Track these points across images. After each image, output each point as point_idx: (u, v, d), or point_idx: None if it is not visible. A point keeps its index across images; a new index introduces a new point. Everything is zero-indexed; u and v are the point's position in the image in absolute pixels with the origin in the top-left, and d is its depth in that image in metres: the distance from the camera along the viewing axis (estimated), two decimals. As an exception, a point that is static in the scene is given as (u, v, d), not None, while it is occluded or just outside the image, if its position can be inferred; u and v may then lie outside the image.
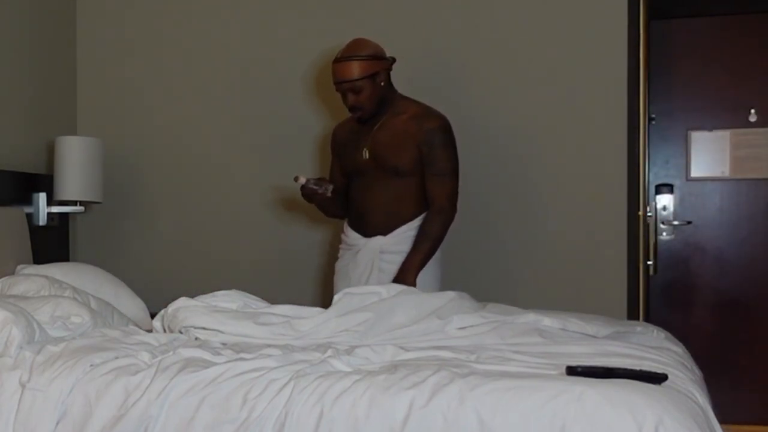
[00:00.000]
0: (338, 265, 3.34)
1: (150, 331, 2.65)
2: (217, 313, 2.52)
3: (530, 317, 2.53)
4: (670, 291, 4.48)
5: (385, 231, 3.17)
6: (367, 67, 3.07)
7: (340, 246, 3.35)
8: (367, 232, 3.21)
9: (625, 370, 1.92)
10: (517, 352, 2.22)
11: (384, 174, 3.16)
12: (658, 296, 4.46)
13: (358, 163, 3.22)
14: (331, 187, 3.09)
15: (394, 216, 3.16)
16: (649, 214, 3.90)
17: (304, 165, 4.01)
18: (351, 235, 3.26)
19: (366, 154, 3.19)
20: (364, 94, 3.10)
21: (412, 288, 2.74)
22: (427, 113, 3.16)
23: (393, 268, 3.14)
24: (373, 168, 3.18)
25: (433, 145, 3.11)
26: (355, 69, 3.07)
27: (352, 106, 3.13)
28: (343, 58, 3.09)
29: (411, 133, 3.12)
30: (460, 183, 3.76)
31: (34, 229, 3.80)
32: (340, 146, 3.33)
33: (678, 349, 2.51)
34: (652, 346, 2.36)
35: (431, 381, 1.88)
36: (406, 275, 3.08)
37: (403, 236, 3.16)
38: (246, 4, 4.10)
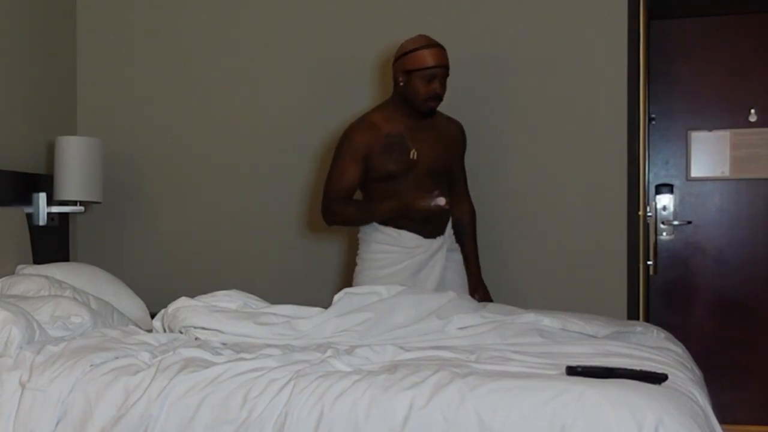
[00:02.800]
0: (386, 271, 3.16)
1: (150, 331, 2.65)
2: (217, 313, 2.52)
3: (530, 317, 2.53)
4: (670, 291, 4.47)
5: (443, 230, 3.26)
6: None
7: (383, 254, 3.18)
8: (429, 233, 3.20)
9: (625, 370, 1.91)
10: (517, 352, 2.22)
11: (434, 174, 3.20)
12: (658, 296, 4.46)
13: (406, 165, 3.13)
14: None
15: (445, 215, 3.27)
16: (649, 214, 3.89)
17: (304, 166, 4.01)
18: (407, 237, 3.16)
19: (414, 155, 3.14)
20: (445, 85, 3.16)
21: (412, 288, 2.75)
22: (451, 118, 3.34)
23: (453, 266, 3.28)
24: (424, 169, 3.17)
25: (464, 148, 3.37)
26: (447, 58, 3.12)
27: (439, 94, 3.09)
28: (439, 44, 3.09)
29: (453, 136, 3.30)
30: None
31: (34, 229, 3.80)
32: (378, 149, 3.13)
33: (678, 349, 2.51)
34: (652, 346, 2.36)
35: (431, 381, 1.88)
36: (481, 286, 3.36)
37: (450, 233, 3.31)
38: (246, 5, 4.10)
